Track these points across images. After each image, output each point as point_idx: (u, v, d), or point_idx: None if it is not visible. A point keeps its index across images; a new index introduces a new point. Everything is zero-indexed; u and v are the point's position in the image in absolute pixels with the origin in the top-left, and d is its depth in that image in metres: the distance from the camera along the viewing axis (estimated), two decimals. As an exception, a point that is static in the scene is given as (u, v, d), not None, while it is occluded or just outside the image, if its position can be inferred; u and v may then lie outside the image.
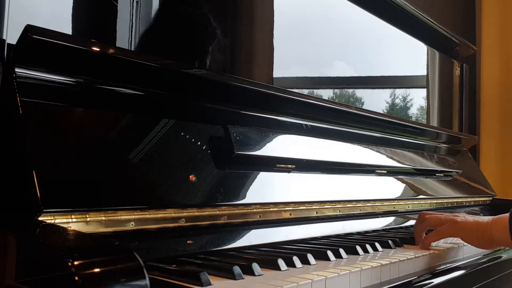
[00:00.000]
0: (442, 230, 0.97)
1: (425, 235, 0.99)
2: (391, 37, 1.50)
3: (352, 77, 1.33)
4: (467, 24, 2.58)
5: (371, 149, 1.24)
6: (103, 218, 0.63)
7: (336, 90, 1.28)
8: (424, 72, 1.71)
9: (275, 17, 1.06)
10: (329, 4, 1.26)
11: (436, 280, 0.82)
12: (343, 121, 1.17)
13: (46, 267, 0.45)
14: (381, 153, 1.27)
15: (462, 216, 0.99)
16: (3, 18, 0.65)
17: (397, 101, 1.55)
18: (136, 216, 0.67)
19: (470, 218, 0.98)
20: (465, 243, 1.01)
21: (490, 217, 0.96)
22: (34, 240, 0.51)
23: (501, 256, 1.09)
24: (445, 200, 1.47)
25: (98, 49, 0.68)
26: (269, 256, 0.75)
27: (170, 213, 0.71)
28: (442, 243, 1.02)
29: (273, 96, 0.96)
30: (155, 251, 0.69)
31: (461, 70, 1.90)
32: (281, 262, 0.68)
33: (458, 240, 1.04)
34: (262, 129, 0.93)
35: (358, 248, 0.85)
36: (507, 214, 0.93)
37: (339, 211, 1.04)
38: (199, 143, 0.81)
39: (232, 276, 0.62)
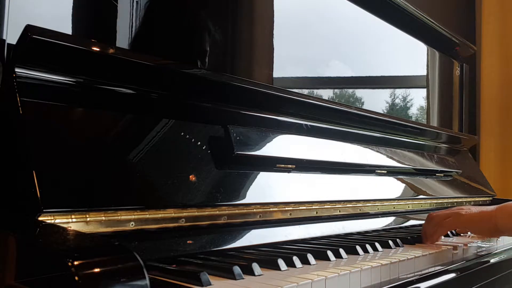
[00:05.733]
0: (447, 223, 1.01)
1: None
2: (392, 37, 1.50)
3: (352, 77, 1.33)
4: (467, 24, 2.58)
5: (371, 149, 1.24)
6: (103, 218, 0.63)
7: (336, 90, 1.28)
8: (424, 72, 1.71)
9: (275, 17, 1.06)
10: (330, 4, 1.26)
11: (436, 280, 0.82)
12: (343, 121, 1.17)
13: (46, 267, 0.45)
14: (381, 153, 1.27)
15: (467, 208, 1.04)
16: (3, 18, 0.65)
17: (397, 101, 1.55)
18: (136, 216, 0.67)
19: (475, 209, 1.02)
20: (470, 243, 1.03)
21: (495, 206, 1.00)
22: (34, 240, 0.51)
23: (503, 255, 1.09)
24: (445, 200, 1.47)
25: (98, 49, 0.68)
26: (269, 256, 0.75)
27: (170, 213, 0.71)
28: (442, 242, 1.03)
29: (273, 96, 0.96)
30: (155, 251, 0.69)
31: (461, 70, 1.90)
32: (281, 262, 0.68)
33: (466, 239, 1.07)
34: (262, 129, 0.93)
35: (358, 248, 0.85)
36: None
37: (339, 211, 1.04)
38: (199, 143, 0.81)
39: (232, 276, 0.62)
